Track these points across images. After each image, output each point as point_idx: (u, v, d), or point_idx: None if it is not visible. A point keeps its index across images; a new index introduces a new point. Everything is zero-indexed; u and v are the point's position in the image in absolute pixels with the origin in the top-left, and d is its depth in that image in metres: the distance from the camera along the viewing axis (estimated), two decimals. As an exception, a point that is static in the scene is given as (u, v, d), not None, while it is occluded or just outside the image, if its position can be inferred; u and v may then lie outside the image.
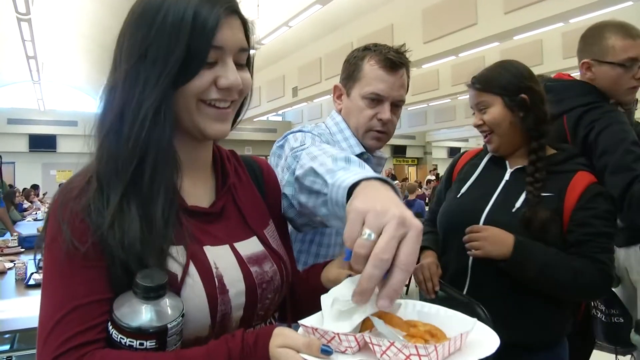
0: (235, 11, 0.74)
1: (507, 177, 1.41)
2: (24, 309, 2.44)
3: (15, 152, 16.66)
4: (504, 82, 1.36)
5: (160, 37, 0.70)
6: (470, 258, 1.37)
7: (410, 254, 0.53)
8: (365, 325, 0.59)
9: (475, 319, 0.61)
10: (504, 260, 1.26)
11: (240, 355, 0.63)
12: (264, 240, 0.85)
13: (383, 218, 0.54)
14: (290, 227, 0.99)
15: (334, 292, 0.60)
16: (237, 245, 0.81)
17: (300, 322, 0.61)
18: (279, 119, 20.88)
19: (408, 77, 1.37)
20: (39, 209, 10.01)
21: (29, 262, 3.19)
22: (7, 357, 2.78)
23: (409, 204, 8.17)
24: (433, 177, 15.37)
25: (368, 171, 0.67)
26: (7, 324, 2.32)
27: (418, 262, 1.35)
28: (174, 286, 0.69)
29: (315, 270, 0.89)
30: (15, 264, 3.24)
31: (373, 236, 0.53)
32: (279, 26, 10.09)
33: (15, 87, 17.71)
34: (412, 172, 23.38)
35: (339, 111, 1.42)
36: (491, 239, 1.28)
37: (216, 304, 0.72)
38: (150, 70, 0.70)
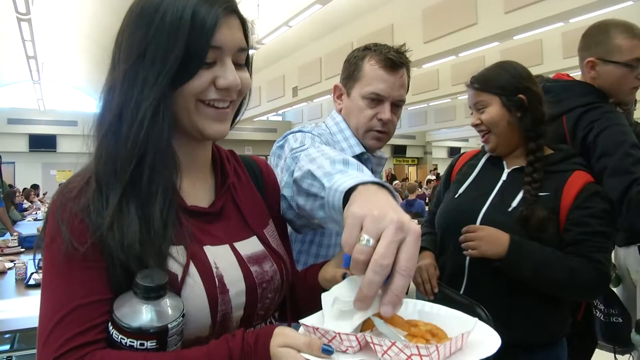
0: (233, 11, 0.74)
1: (504, 177, 1.42)
2: (24, 309, 2.44)
3: (15, 152, 16.67)
4: (502, 82, 1.37)
5: (159, 37, 0.70)
6: (467, 258, 1.37)
7: (410, 258, 0.53)
8: (366, 324, 0.59)
9: (476, 319, 0.61)
10: (500, 259, 1.27)
11: (241, 355, 0.63)
12: (263, 240, 0.85)
13: (381, 223, 0.53)
14: (289, 228, 0.99)
15: (334, 291, 0.60)
16: (237, 244, 0.81)
17: (301, 321, 0.60)
18: (279, 118, 20.88)
19: (408, 77, 1.37)
20: (39, 209, 10.01)
21: (29, 262, 3.19)
22: (7, 357, 2.78)
23: (409, 204, 8.17)
24: (433, 177, 15.38)
25: (365, 175, 0.67)
26: (7, 324, 2.32)
27: None
28: (174, 286, 0.69)
29: (313, 270, 0.88)
30: (15, 263, 3.24)
31: (371, 242, 0.53)
32: (279, 26, 10.09)
33: (15, 87, 17.71)
34: (412, 172, 23.38)
35: (339, 111, 1.42)
36: (487, 239, 1.29)
37: (216, 303, 0.72)
38: (148, 70, 0.70)
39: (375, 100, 1.32)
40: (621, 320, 1.64)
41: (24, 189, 12.39)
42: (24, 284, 2.97)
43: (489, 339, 0.58)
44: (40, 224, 0.76)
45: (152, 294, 0.64)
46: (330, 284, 0.79)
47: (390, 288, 0.53)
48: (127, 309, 0.64)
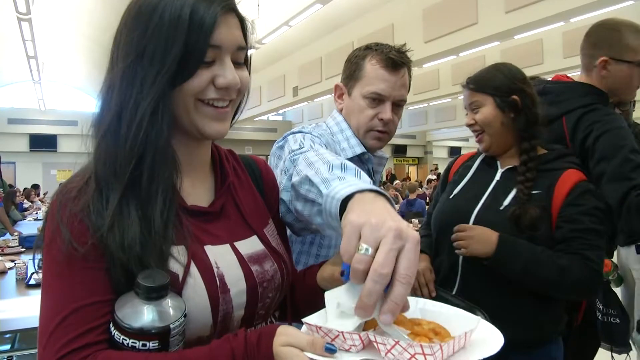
0: (232, 9, 0.74)
1: (497, 177, 1.44)
2: (25, 309, 2.44)
3: (16, 151, 16.68)
4: (496, 83, 1.39)
5: (157, 36, 0.69)
6: (460, 257, 1.39)
7: (409, 266, 0.53)
8: (369, 323, 0.59)
9: (479, 317, 0.61)
10: (488, 258, 1.29)
11: (244, 355, 0.62)
12: (264, 239, 0.84)
13: (379, 231, 0.53)
14: (289, 230, 0.99)
15: (337, 293, 0.59)
16: (237, 244, 0.80)
17: (303, 320, 0.60)
18: (280, 118, 20.86)
19: (410, 76, 1.37)
20: (39, 209, 10.02)
21: (30, 261, 3.19)
22: (8, 357, 2.77)
23: (410, 203, 8.17)
24: (434, 177, 15.35)
25: (363, 181, 0.66)
26: (8, 324, 2.32)
27: None
28: (176, 286, 0.69)
29: (312, 271, 0.88)
30: (16, 263, 3.24)
31: (370, 250, 0.53)
32: (280, 26, 10.09)
33: (16, 86, 17.71)
34: (412, 172, 23.36)
35: (340, 111, 1.42)
36: (476, 238, 1.30)
37: (218, 303, 0.72)
38: (147, 69, 0.70)
39: (376, 100, 1.32)
40: (619, 321, 1.64)
41: (25, 188, 12.41)
42: (24, 283, 2.98)
43: (492, 338, 0.58)
44: (40, 224, 0.76)
45: (153, 295, 0.64)
46: (329, 283, 0.79)
47: (390, 296, 0.53)
48: (129, 310, 0.64)
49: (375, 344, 0.53)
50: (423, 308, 0.66)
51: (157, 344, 0.64)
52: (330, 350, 0.55)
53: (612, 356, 1.74)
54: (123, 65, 0.71)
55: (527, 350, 1.32)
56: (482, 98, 1.41)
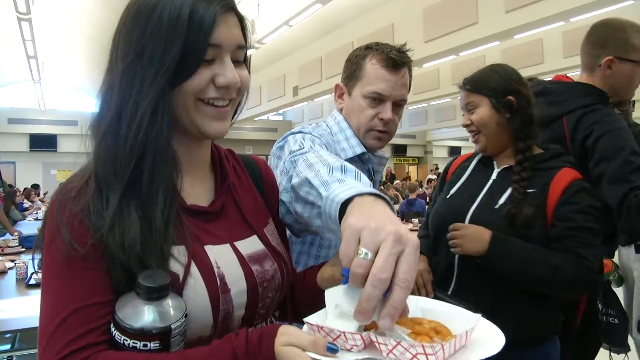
0: (231, 8, 0.74)
1: (494, 176, 1.45)
2: (25, 309, 2.44)
3: (16, 151, 16.69)
4: (492, 84, 1.40)
5: (157, 36, 0.69)
6: (456, 257, 1.40)
7: (409, 270, 0.52)
8: (371, 323, 0.59)
9: (479, 315, 0.61)
10: (481, 256, 1.29)
11: (246, 355, 0.62)
12: (264, 239, 0.84)
13: (379, 235, 0.53)
14: (288, 232, 0.99)
15: (337, 293, 0.59)
16: (237, 244, 0.80)
17: (305, 319, 0.60)
18: (280, 118, 20.87)
19: (410, 76, 1.37)
20: (39, 209, 10.02)
21: (30, 261, 3.19)
22: (8, 356, 2.78)
23: (410, 203, 8.17)
24: (434, 176, 15.35)
25: (363, 184, 0.66)
26: (8, 324, 2.32)
27: None
28: (176, 286, 0.68)
29: (312, 272, 0.88)
30: (16, 263, 3.24)
31: (370, 255, 0.53)
32: (280, 25, 10.09)
33: (16, 86, 17.71)
34: (412, 172, 23.37)
35: (340, 110, 1.42)
36: (469, 236, 1.32)
37: (218, 303, 0.72)
38: (147, 69, 0.70)
39: (377, 99, 1.32)
40: (617, 322, 1.65)
41: (25, 188, 12.41)
42: (24, 283, 2.98)
43: (493, 336, 0.58)
44: (40, 224, 0.76)
45: (154, 295, 0.64)
46: (329, 284, 0.79)
47: (389, 301, 0.52)
48: (129, 310, 0.64)
49: (376, 344, 0.53)
50: (424, 307, 0.66)
51: (158, 345, 0.63)
52: (332, 349, 0.55)
53: (611, 356, 1.74)
54: (122, 65, 0.71)
55: (524, 348, 1.32)
56: (478, 99, 1.42)
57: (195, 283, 0.71)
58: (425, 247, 1.53)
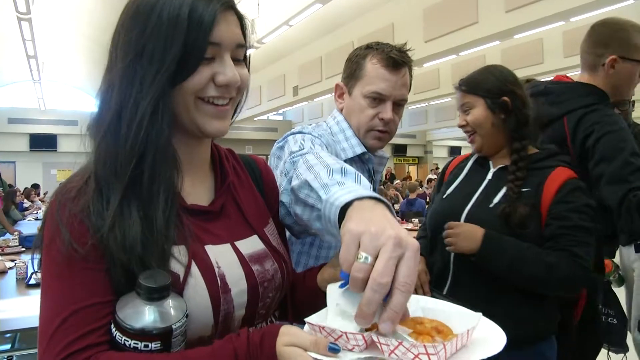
0: (231, 7, 0.74)
1: (489, 176, 1.46)
2: (25, 309, 2.44)
3: (16, 151, 16.70)
4: (487, 85, 1.42)
5: (156, 35, 0.69)
6: (452, 256, 1.41)
7: (409, 274, 0.52)
8: (372, 324, 0.58)
9: (480, 314, 0.61)
10: (474, 254, 1.30)
11: (247, 355, 0.62)
12: (264, 239, 0.84)
13: (378, 240, 0.53)
14: (288, 233, 0.98)
15: (339, 294, 0.59)
16: (237, 243, 0.80)
17: (306, 319, 0.60)
18: (280, 118, 20.87)
19: (411, 76, 1.37)
20: (39, 208, 10.03)
21: (30, 261, 3.19)
22: (8, 356, 2.78)
23: (410, 203, 8.17)
24: (434, 176, 15.35)
25: (363, 187, 0.66)
26: (8, 324, 2.32)
27: None
28: (177, 286, 0.68)
29: (312, 273, 0.88)
30: (16, 263, 3.24)
31: (370, 259, 0.52)
32: (280, 25, 10.08)
33: (16, 86, 17.71)
34: (412, 171, 23.37)
35: (341, 110, 1.42)
36: (463, 235, 1.33)
37: (219, 303, 0.72)
38: (146, 68, 0.70)
39: (377, 99, 1.32)
40: (616, 322, 1.65)
41: (25, 188, 12.41)
42: (24, 283, 2.98)
43: (494, 335, 0.58)
44: (40, 224, 0.75)
45: (155, 295, 0.63)
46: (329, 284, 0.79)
47: (389, 305, 0.52)
48: (130, 310, 0.64)
49: (378, 344, 0.53)
50: (425, 306, 0.66)
51: (159, 345, 0.63)
52: (334, 349, 0.55)
53: (609, 356, 1.74)
54: (122, 64, 0.71)
55: (520, 348, 1.32)
56: (473, 99, 1.43)
57: (196, 283, 0.71)
58: (422, 247, 1.53)
